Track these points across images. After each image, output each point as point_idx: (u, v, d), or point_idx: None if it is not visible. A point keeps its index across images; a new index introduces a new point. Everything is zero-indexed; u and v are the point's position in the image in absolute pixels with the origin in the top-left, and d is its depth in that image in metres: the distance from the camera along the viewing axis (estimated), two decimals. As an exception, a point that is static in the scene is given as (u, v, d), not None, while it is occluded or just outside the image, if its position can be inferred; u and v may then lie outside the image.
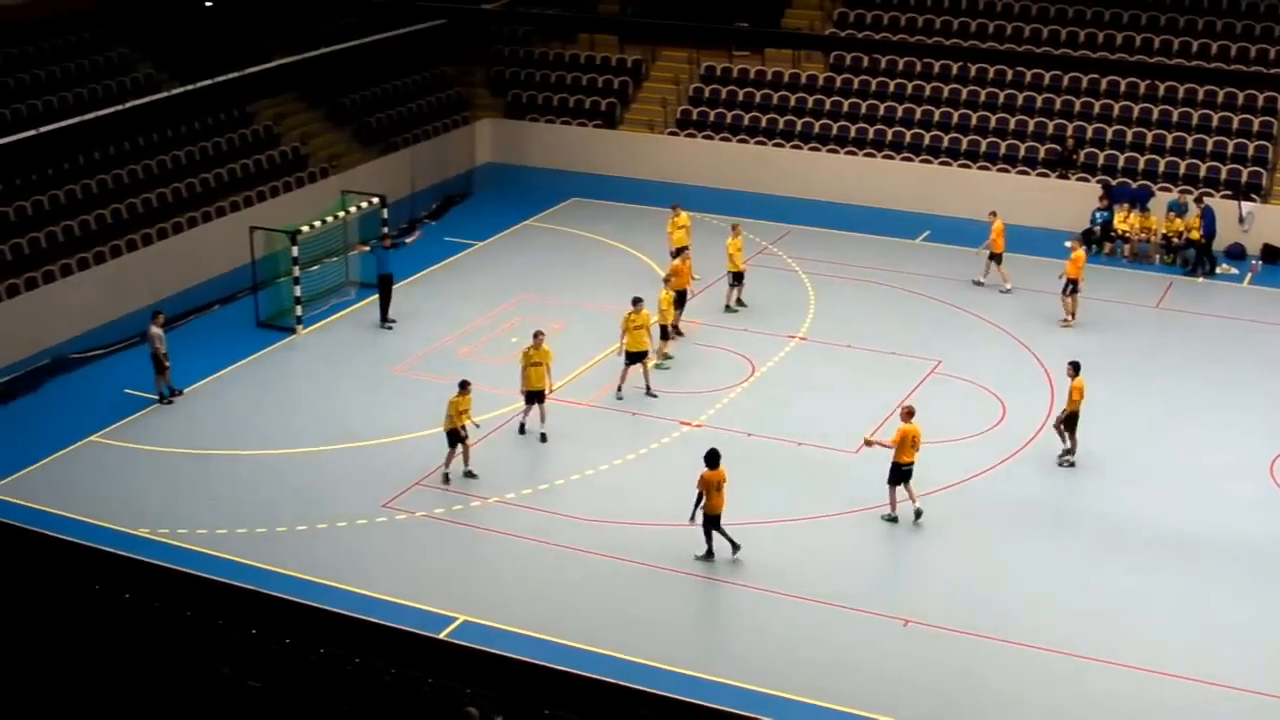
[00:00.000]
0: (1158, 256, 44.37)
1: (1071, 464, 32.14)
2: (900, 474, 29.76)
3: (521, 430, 33.50)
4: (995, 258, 41.96)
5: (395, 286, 39.78)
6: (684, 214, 42.10)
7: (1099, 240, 44.76)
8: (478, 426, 32.06)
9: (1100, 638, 26.13)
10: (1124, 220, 44.69)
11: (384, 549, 29.18)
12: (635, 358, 35.03)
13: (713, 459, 27.89)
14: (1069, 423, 32.10)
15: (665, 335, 37.38)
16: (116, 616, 20.93)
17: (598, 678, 20.61)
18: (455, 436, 31.23)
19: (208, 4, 47.79)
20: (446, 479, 31.44)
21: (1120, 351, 37.77)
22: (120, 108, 41.76)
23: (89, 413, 34.67)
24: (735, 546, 28.35)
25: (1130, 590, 27.71)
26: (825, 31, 52.76)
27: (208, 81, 42.71)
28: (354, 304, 41.00)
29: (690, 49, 54.98)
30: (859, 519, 30.05)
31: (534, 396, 33.15)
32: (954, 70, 51.00)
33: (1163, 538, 29.46)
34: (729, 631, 26.60)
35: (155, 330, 34.93)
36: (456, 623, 26.37)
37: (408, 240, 41.37)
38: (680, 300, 38.34)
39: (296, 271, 39.24)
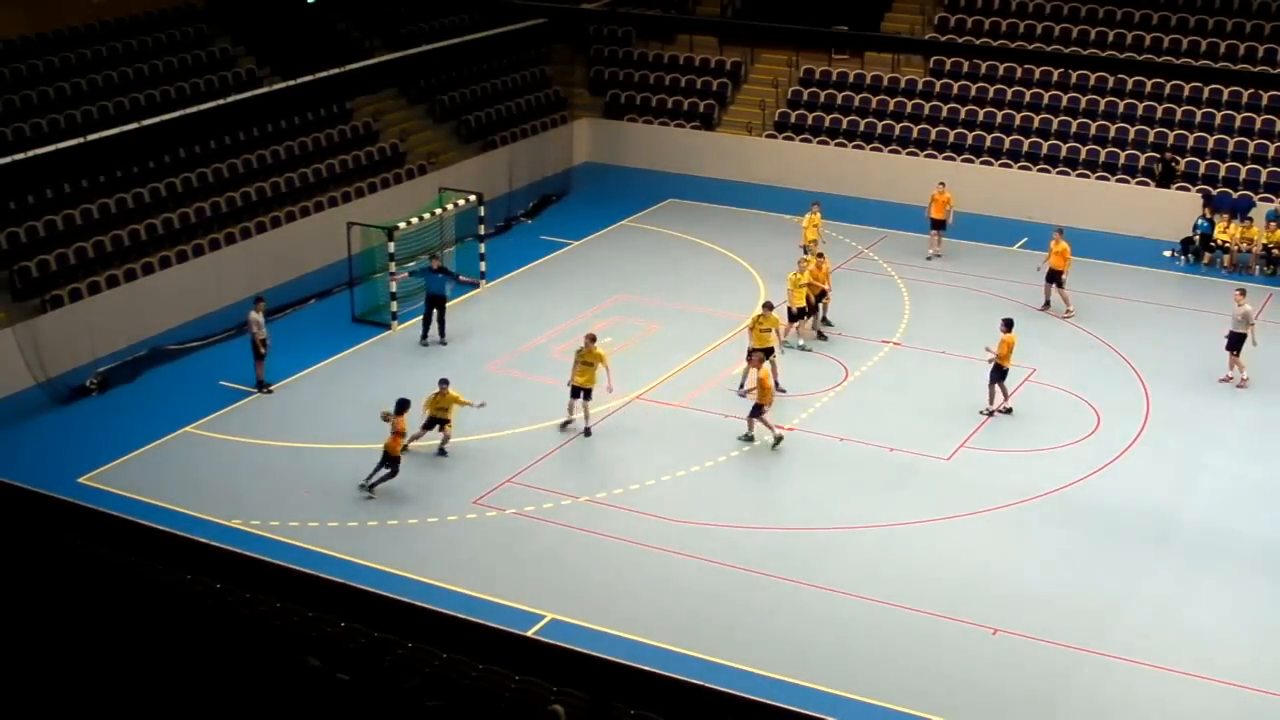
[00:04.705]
0: (1258, 268, 43.84)
1: (1008, 411, 34.30)
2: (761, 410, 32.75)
3: (582, 431, 33.72)
4: (937, 224, 44.01)
5: (492, 284, 39.76)
6: (819, 215, 42.78)
7: (1198, 250, 44.29)
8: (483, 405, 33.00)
9: (1191, 652, 25.81)
10: (1224, 230, 44.17)
11: (473, 545, 29.28)
12: (761, 354, 34.86)
13: (401, 406, 31.01)
14: (997, 376, 33.95)
15: (793, 318, 37.86)
16: (209, 606, 21.13)
17: (683, 679, 20.56)
18: (435, 422, 32.38)
19: (309, 0, 48.21)
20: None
21: (1217, 363, 37.26)
22: (221, 102, 42.02)
23: (185, 404, 34.99)
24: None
25: (1225, 607, 27.37)
26: (925, 35, 52.52)
27: (309, 77, 42.96)
28: (450, 300, 41.13)
29: (789, 51, 54.89)
30: (950, 525, 29.87)
31: (579, 392, 33.43)
32: (1054, 76, 50.57)
33: (1260, 554, 29.05)
34: (814, 635, 26.42)
35: (255, 317, 35.17)
36: (544, 621, 26.42)
37: (461, 278, 41.05)
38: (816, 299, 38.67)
39: (393, 268, 39.47)
